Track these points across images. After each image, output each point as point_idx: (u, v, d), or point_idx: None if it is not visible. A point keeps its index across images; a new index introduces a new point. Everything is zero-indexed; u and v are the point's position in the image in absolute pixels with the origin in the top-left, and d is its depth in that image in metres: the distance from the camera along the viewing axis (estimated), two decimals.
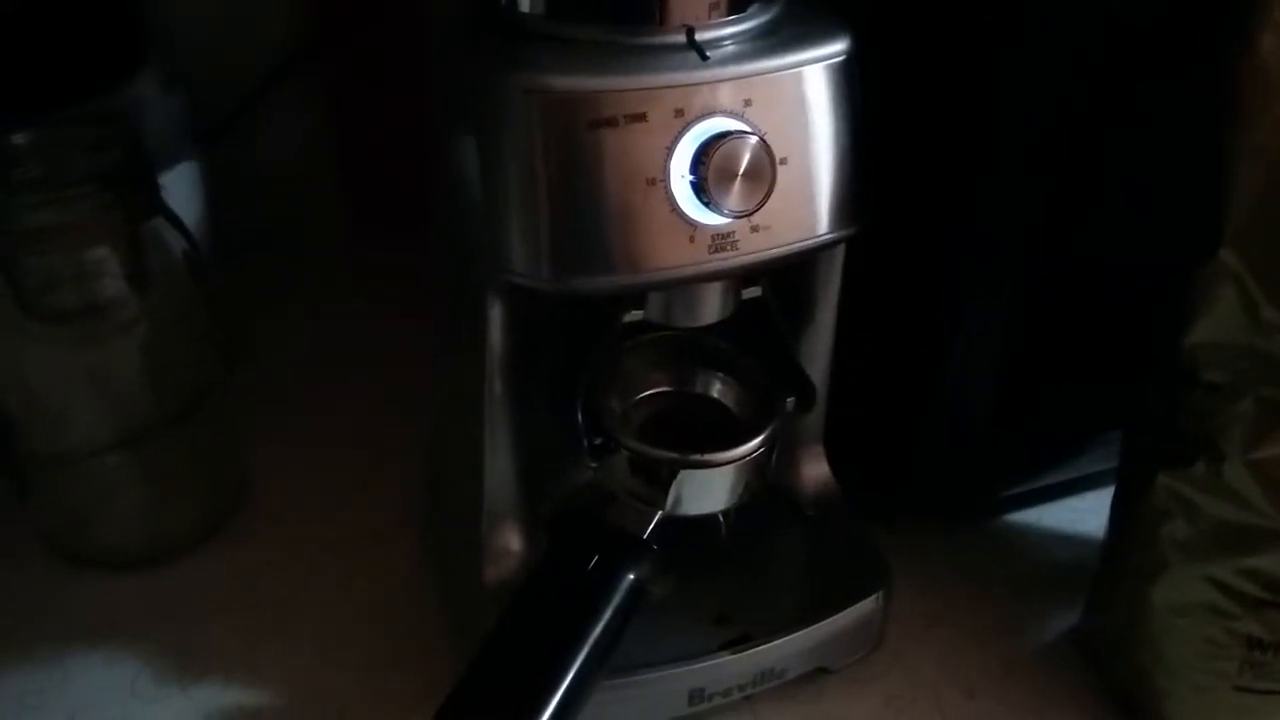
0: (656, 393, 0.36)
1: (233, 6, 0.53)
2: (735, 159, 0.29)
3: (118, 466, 0.41)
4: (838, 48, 0.30)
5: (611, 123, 0.28)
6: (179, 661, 0.38)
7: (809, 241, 0.31)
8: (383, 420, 0.48)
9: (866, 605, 0.37)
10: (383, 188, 0.58)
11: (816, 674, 0.37)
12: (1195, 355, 0.32)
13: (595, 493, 0.34)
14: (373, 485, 0.45)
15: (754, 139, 0.29)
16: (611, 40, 0.29)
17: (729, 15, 0.30)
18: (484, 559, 0.35)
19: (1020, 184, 0.34)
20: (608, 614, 0.31)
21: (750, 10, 0.30)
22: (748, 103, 0.29)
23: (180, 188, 0.45)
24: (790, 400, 0.35)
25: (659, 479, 0.33)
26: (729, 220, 0.29)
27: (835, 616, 0.36)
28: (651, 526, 0.33)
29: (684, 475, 0.33)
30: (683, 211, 0.29)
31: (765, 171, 0.29)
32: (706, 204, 0.29)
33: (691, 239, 0.29)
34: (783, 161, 0.29)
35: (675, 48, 0.29)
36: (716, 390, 0.36)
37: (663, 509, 0.33)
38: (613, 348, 0.34)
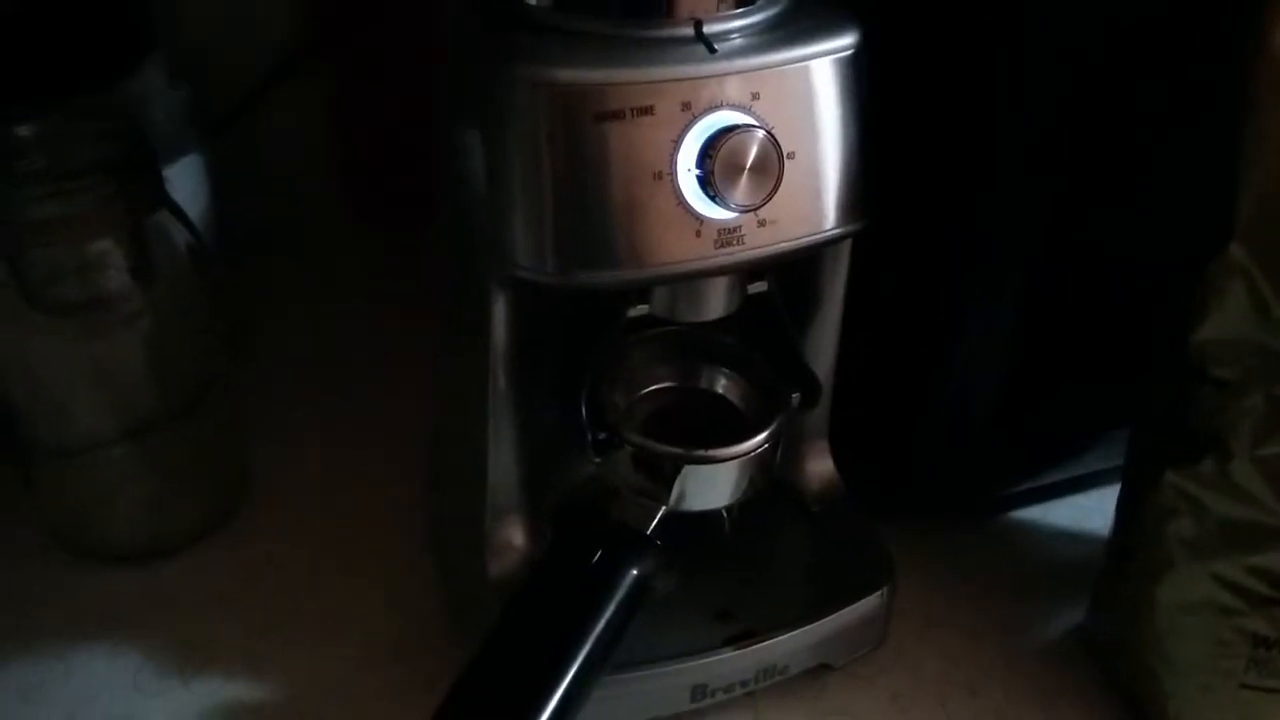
0: (661, 388, 0.36)
1: (237, 0, 0.53)
2: (742, 153, 0.28)
3: (121, 459, 0.41)
4: (846, 41, 0.30)
5: (618, 116, 0.28)
6: (181, 654, 0.38)
7: (816, 236, 0.31)
8: (385, 414, 0.48)
9: (870, 602, 0.36)
10: (385, 182, 0.58)
11: (819, 670, 0.37)
12: (1204, 352, 0.31)
13: (599, 488, 0.34)
14: (375, 479, 0.45)
15: (761, 133, 0.29)
16: (619, 33, 0.29)
17: (737, 8, 0.29)
18: (487, 553, 0.35)
19: (1023, 183, 0.34)
20: (611, 609, 0.31)
21: (758, 3, 0.30)
22: (755, 96, 0.29)
23: (184, 181, 0.45)
24: (795, 396, 0.35)
25: (663, 474, 0.33)
26: (735, 215, 0.29)
27: (839, 613, 0.36)
28: (655, 522, 0.33)
29: (688, 471, 0.32)
30: (689, 205, 0.29)
31: (772, 166, 0.29)
32: (713, 198, 0.29)
33: (698, 233, 0.29)
34: (790, 156, 0.29)
35: (683, 40, 0.29)
36: (721, 385, 0.36)
37: (666, 504, 0.33)
38: (617, 342, 0.34)
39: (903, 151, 0.33)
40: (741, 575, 0.37)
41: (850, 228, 0.32)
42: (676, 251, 0.29)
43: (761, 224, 0.30)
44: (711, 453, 0.32)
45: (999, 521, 0.44)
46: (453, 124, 0.32)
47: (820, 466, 0.39)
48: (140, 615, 0.40)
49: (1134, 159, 0.34)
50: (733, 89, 0.29)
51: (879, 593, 0.37)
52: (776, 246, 0.30)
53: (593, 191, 0.28)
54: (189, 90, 0.47)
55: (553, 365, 0.34)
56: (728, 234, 0.30)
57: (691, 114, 0.28)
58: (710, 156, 0.28)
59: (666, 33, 0.29)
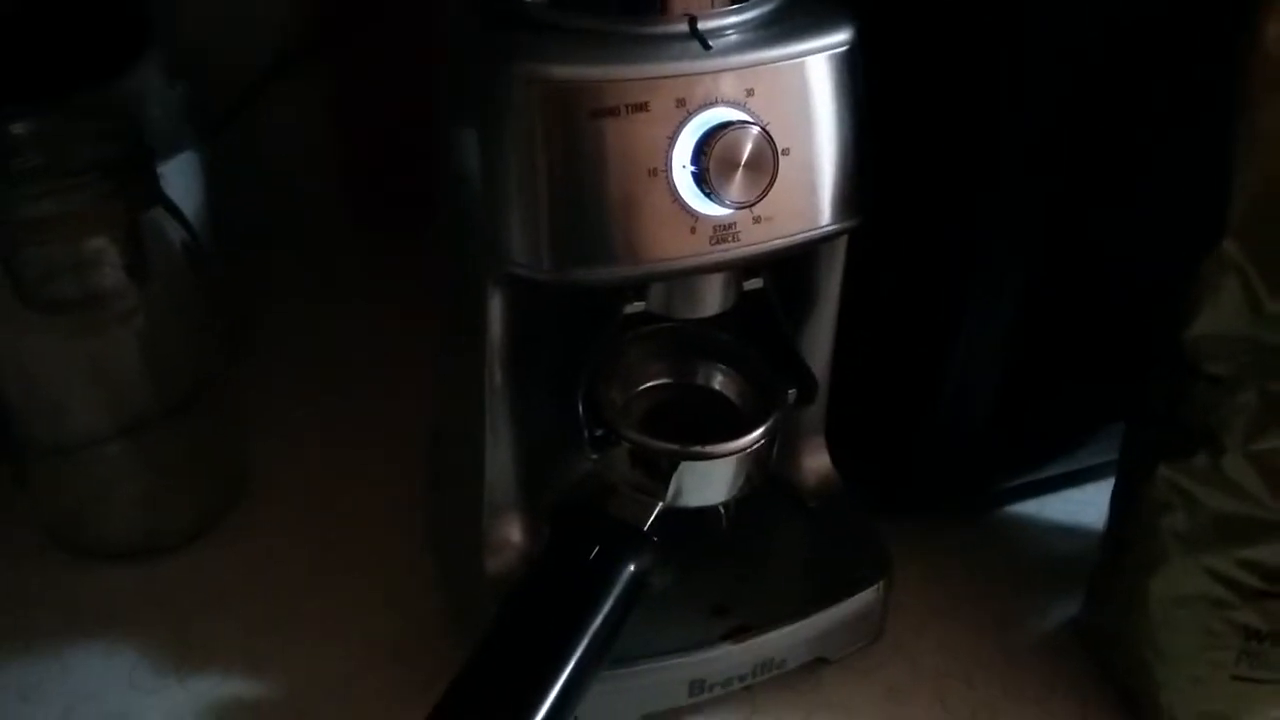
0: (657, 384, 0.36)
1: None
2: (737, 149, 0.28)
3: (117, 457, 0.41)
4: (841, 38, 0.30)
5: (613, 112, 0.28)
6: (177, 653, 0.38)
7: (811, 233, 0.31)
8: (383, 412, 0.48)
9: (867, 596, 0.37)
10: (385, 182, 0.58)
11: (816, 664, 0.37)
12: (1197, 348, 0.32)
13: (596, 484, 0.34)
14: (373, 477, 0.45)
15: (756, 129, 0.29)
16: (614, 29, 0.29)
17: (731, 4, 0.29)
18: (484, 550, 0.35)
19: (1023, 182, 0.34)
20: (608, 605, 0.31)
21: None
22: (750, 93, 0.29)
23: (180, 178, 0.45)
24: (791, 392, 0.35)
25: (660, 471, 0.33)
26: (731, 211, 0.29)
27: (836, 607, 0.36)
28: (652, 518, 0.33)
29: (685, 467, 0.33)
30: (684, 202, 0.29)
31: (767, 162, 0.29)
32: (708, 195, 0.29)
33: (693, 230, 0.29)
34: (785, 152, 0.29)
35: (678, 37, 0.29)
36: (718, 382, 0.36)
37: (663, 501, 0.33)
38: (614, 339, 0.34)
39: (902, 150, 0.33)
40: (738, 571, 0.37)
41: (846, 224, 0.32)
42: (672, 248, 0.29)
43: (757, 220, 0.30)
44: (708, 449, 0.32)
45: (994, 516, 0.44)
46: (450, 121, 0.32)
47: (817, 462, 0.39)
48: (137, 613, 0.40)
49: (1133, 158, 0.34)
50: (727, 85, 0.29)
51: (875, 587, 0.37)
52: (772, 243, 0.30)
53: (588, 188, 0.28)
54: (186, 88, 0.47)
55: (549, 362, 0.34)
56: (723, 230, 0.30)
57: (686, 111, 0.28)
58: (705, 153, 0.28)
59: (661, 29, 0.29)
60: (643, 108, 0.28)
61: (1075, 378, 0.39)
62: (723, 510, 0.35)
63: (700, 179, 0.29)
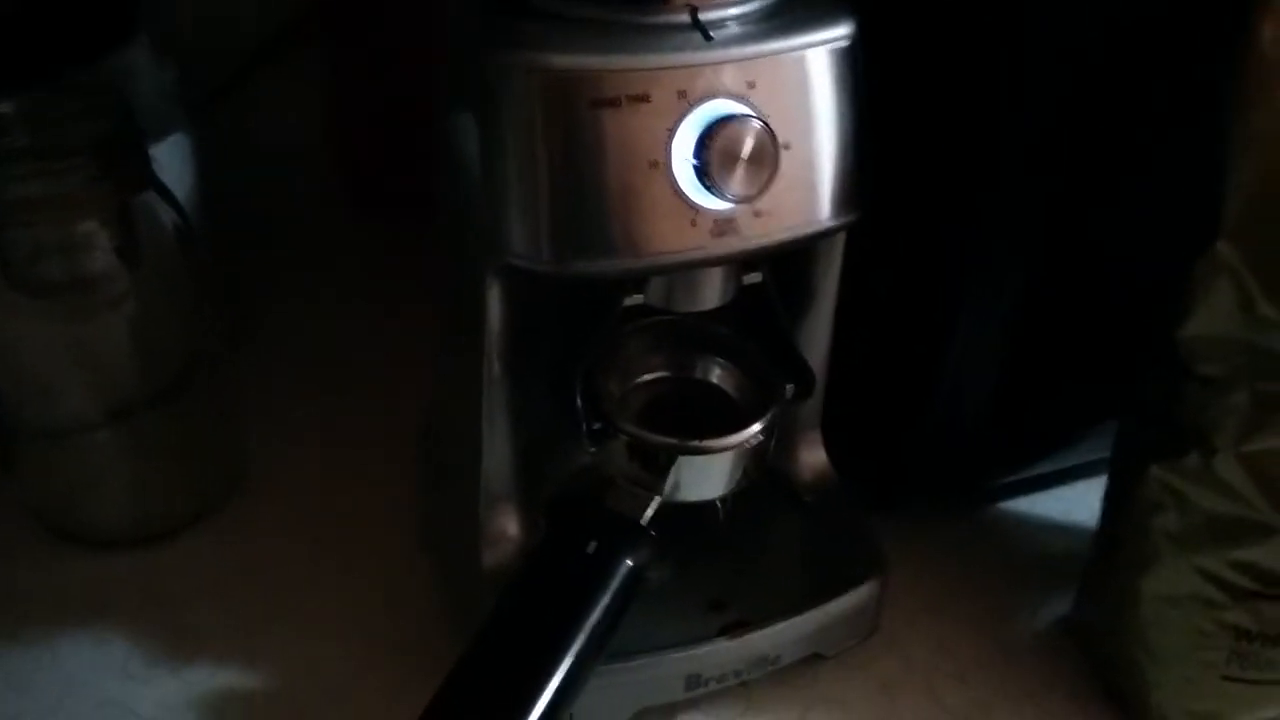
0: (656, 378, 0.36)
1: None
2: (738, 143, 0.28)
3: (107, 442, 0.40)
4: (841, 31, 0.30)
5: (614, 103, 0.28)
6: (171, 642, 0.38)
7: (811, 227, 0.31)
8: (380, 403, 0.47)
9: (862, 592, 0.37)
10: (378, 165, 0.57)
11: (812, 659, 0.37)
12: (1190, 348, 0.32)
13: (594, 478, 0.34)
14: (370, 468, 0.45)
15: (758, 123, 0.28)
16: (615, 19, 0.29)
17: None
18: (482, 543, 0.35)
19: (1021, 181, 0.34)
20: (605, 599, 0.31)
21: None
22: (751, 85, 0.29)
23: (171, 161, 0.44)
24: (789, 387, 0.35)
25: (657, 464, 0.33)
26: (731, 205, 0.29)
27: (831, 603, 0.36)
28: (649, 512, 0.33)
29: (682, 461, 0.32)
30: (685, 195, 0.29)
31: (768, 156, 0.29)
32: (709, 188, 0.29)
33: (693, 223, 0.29)
34: (786, 146, 0.29)
35: (679, 28, 0.29)
36: (716, 376, 0.36)
37: (661, 494, 0.33)
38: (612, 332, 0.34)
39: (901, 149, 0.33)
40: (735, 565, 0.37)
41: (845, 220, 0.31)
42: (672, 241, 0.29)
43: (757, 214, 0.30)
44: (706, 443, 0.32)
45: (988, 513, 0.44)
46: (449, 111, 0.32)
47: (813, 457, 0.39)
48: (130, 602, 0.39)
49: (1131, 158, 0.34)
50: (729, 77, 0.28)
51: (871, 583, 0.37)
52: (772, 237, 0.30)
53: (588, 180, 0.28)
54: (177, 68, 0.46)
55: (548, 355, 0.33)
56: (723, 224, 0.29)
57: (687, 102, 0.28)
58: (706, 146, 0.28)
59: (663, 19, 0.29)
60: (644, 99, 0.28)
61: (1070, 376, 0.39)
62: (720, 505, 0.35)
63: (701, 172, 0.28)
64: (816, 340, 0.36)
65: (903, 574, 0.39)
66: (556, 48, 0.28)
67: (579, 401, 0.33)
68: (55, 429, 0.40)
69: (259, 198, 0.52)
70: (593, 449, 0.33)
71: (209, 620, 0.39)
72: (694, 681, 0.35)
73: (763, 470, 0.34)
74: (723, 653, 0.35)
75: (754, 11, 0.30)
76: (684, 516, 0.34)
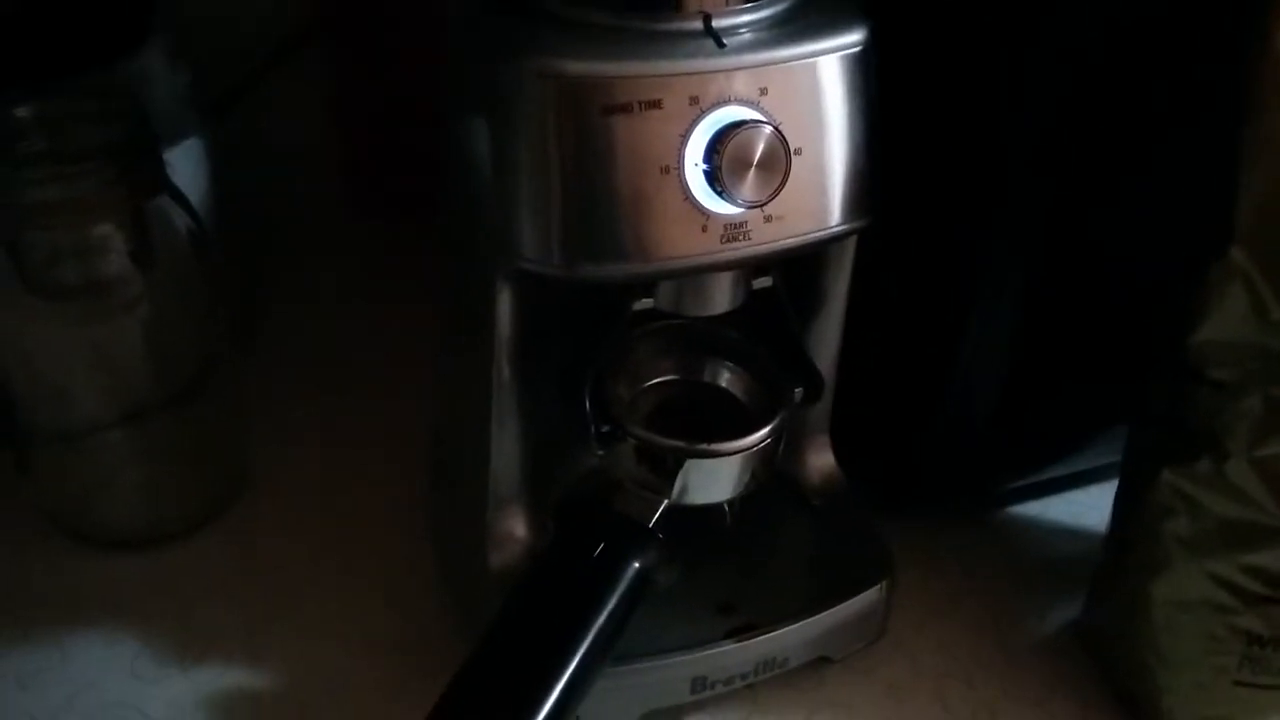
0: (665, 381, 0.36)
1: None
2: (750, 148, 0.28)
3: (120, 444, 0.41)
4: (855, 38, 0.30)
5: (626, 109, 0.28)
6: (180, 642, 0.38)
7: (822, 232, 0.31)
8: (387, 404, 0.48)
9: (870, 596, 0.37)
10: (390, 166, 0.57)
11: (819, 663, 0.37)
12: (1203, 353, 0.32)
13: (601, 480, 0.34)
14: (377, 469, 0.45)
15: (769, 129, 0.28)
16: (627, 25, 0.29)
17: (745, 2, 0.29)
18: (489, 545, 0.35)
19: (1027, 184, 0.34)
20: (612, 602, 0.31)
21: None
22: (763, 91, 0.29)
23: (185, 165, 0.44)
24: (798, 391, 0.35)
25: (665, 468, 0.33)
26: (742, 210, 0.29)
27: (839, 606, 0.36)
28: (657, 515, 0.33)
29: (690, 464, 0.33)
30: (696, 200, 0.29)
31: (780, 162, 0.29)
32: (720, 193, 0.29)
33: (704, 228, 0.29)
34: (797, 152, 0.29)
35: (691, 34, 0.29)
36: (725, 379, 0.36)
37: (669, 498, 0.33)
38: (622, 336, 0.34)
39: (908, 152, 0.33)
40: (742, 568, 0.37)
41: (856, 224, 0.32)
42: (682, 246, 0.29)
43: (768, 219, 0.30)
44: (714, 446, 0.32)
45: (997, 517, 0.44)
46: (459, 115, 0.32)
47: (821, 461, 0.39)
48: (140, 602, 0.39)
49: (1136, 160, 0.34)
50: (741, 84, 0.29)
51: (878, 586, 0.37)
52: (783, 242, 0.30)
53: (599, 185, 0.28)
54: (191, 72, 0.46)
55: (557, 358, 0.33)
56: (734, 229, 0.29)
57: (699, 108, 0.28)
58: (718, 151, 0.28)
59: (675, 26, 0.29)
60: (656, 105, 0.28)
61: (1080, 380, 0.39)
62: (727, 508, 0.35)
63: (712, 177, 0.29)
64: (826, 344, 0.36)
65: (911, 578, 0.39)
66: (570, 54, 0.28)
67: (588, 405, 0.33)
68: (70, 431, 0.40)
69: (262, 199, 0.52)
70: (601, 452, 0.33)
71: (218, 620, 0.39)
72: (700, 684, 0.35)
73: (771, 473, 0.34)
74: (729, 655, 0.35)
75: (766, 18, 0.30)
76: (692, 519, 0.34)
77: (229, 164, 0.49)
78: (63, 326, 0.39)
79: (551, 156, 0.28)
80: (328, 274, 0.56)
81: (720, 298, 0.33)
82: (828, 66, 0.30)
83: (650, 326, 0.35)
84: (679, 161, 0.28)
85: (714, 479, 0.33)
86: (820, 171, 0.30)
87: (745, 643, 0.35)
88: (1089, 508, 0.44)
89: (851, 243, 0.34)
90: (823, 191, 0.31)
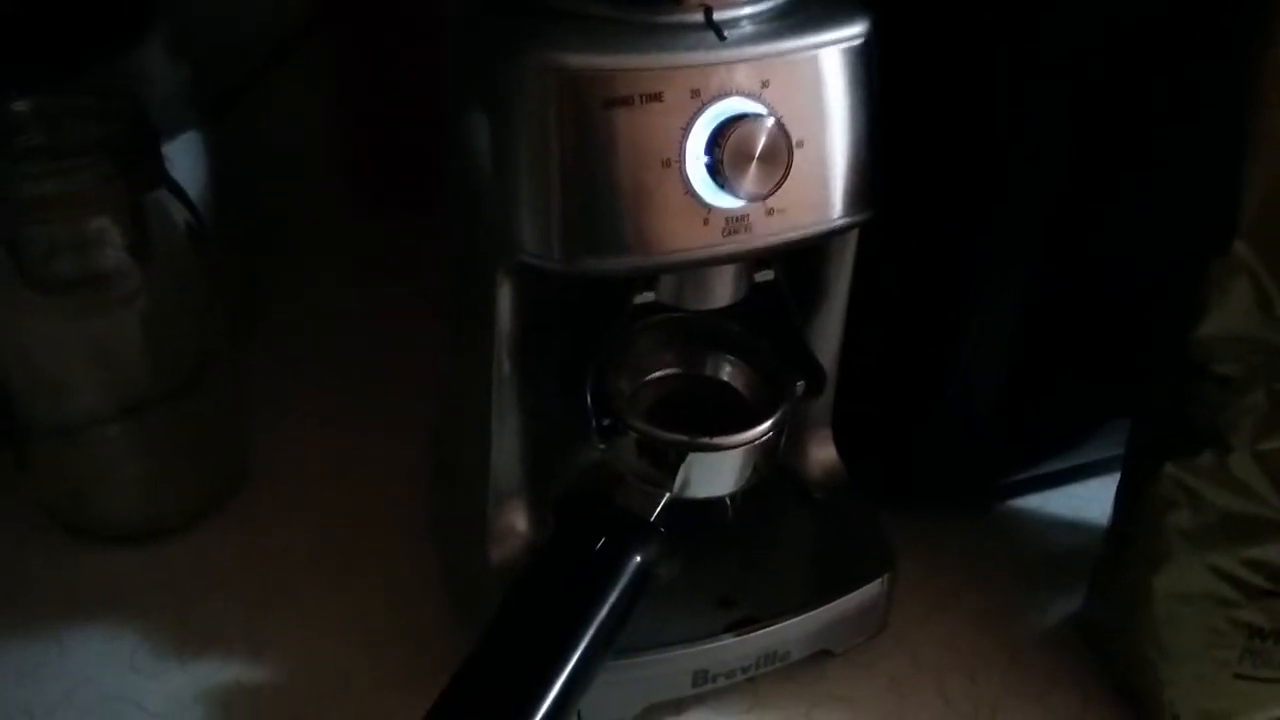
0: (666, 374, 0.36)
1: None
2: (751, 141, 0.28)
3: (118, 438, 0.41)
4: (856, 30, 0.30)
5: (627, 102, 0.28)
6: (179, 636, 0.38)
7: (824, 225, 0.31)
8: (388, 398, 0.48)
9: (871, 589, 0.37)
10: (389, 162, 0.57)
11: (820, 656, 0.37)
12: (1206, 348, 0.31)
13: (603, 474, 0.34)
14: (377, 463, 0.45)
15: (771, 121, 0.28)
16: (629, 19, 0.29)
17: None
18: (489, 539, 0.35)
19: (1028, 180, 0.34)
20: (614, 596, 0.31)
21: None
22: (765, 84, 0.29)
23: (184, 159, 0.44)
24: (800, 384, 0.35)
25: (667, 461, 0.33)
26: (744, 203, 0.29)
27: (840, 600, 0.36)
28: (659, 509, 0.33)
29: (692, 458, 0.33)
30: (697, 193, 0.29)
31: (781, 154, 0.29)
32: (721, 186, 0.29)
33: (706, 221, 0.29)
34: (799, 144, 0.29)
35: (693, 27, 0.29)
36: (726, 373, 0.36)
37: (670, 491, 0.33)
38: (623, 329, 0.34)
39: (910, 148, 0.32)
40: (744, 562, 0.37)
41: (858, 217, 0.31)
42: (684, 239, 0.29)
43: (770, 213, 0.30)
44: (716, 440, 0.32)
45: (998, 510, 0.44)
46: (461, 109, 0.32)
47: (823, 454, 0.39)
48: (138, 596, 0.39)
49: (1136, 155, 0.34)
50: (742, 76, 0.28)
51: (880, 580, 0.37)
52: (784, 235, 0.30)
53: (601, 178, 0.28)
54: (190, 67, 0.46)
55: (558, 351, 0.33)
56: (736, 222, 0.29)
57: (701, 101, 0.28)
58: (719, 144, 0.28)
59: (676, 19, 0.29)
60: (657, 98, 0.28)
61: (1081, 374, 0.39)
62: (729, 501, 0.35)
63: (714, 170, 0.28)
64: (828, 338, 0.36)
65: (912, 571, 0.39)
66: (570, 47, 0.28)
67: (589, 399, 0.33)
68: (68, 425, 0.40)
69: (262, 196, 0.52)
70: (602, 446, 0.33)
71: (217, 614, 0.39)
72: (701, 678, 0.35)
73: (773, 467, 0.34)
74: (731, 649, 0.35)
75: (768, 10, 0.29)
76: (693, 513, 0.34)
77: (229, 161, 0.48)
78: (60, 321, 0.38)
79: (552, 150, 0.28)
80: (327, 271, 0.56)
81: (722, 291, 0.33)
82: (830, 59, 0.30)
83: (651, 320, 0.35)
84: (680, 154, 0.28)
85: (715, 473, 0.33)
86: (822, 164, 0.30)
87: (746, 636, 0.35)
88: (1090, 501, 0.44)
89: (853, 236, 0.34)
90: (825, 184, 0.30)
